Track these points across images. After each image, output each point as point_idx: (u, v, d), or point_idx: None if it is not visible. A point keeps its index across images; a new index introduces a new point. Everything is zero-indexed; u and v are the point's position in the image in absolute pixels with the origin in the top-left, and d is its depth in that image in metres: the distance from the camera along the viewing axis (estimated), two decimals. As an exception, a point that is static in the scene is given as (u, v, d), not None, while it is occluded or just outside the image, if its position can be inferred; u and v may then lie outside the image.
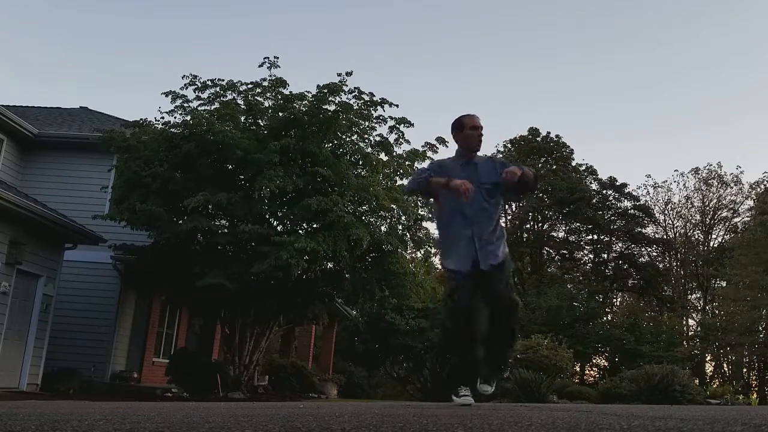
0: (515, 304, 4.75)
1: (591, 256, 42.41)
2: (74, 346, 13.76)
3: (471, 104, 58.01)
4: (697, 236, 40.73)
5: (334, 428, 2.18)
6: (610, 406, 5.73)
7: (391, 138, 13.76)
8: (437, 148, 14.08)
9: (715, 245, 39.08)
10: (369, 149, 13.81)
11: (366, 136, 13.76)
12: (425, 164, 5.22)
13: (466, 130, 4.70)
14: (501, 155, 41.14)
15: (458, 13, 53.29)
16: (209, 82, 13.68)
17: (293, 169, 12.43)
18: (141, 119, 13.62)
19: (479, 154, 4.84)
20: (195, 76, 13.68)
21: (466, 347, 4.49)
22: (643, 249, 41.11)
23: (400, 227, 14.07)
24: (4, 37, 50.27)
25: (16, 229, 11.47)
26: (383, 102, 13.56)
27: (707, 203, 39.76)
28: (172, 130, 13.15)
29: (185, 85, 13.59)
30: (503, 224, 4.84)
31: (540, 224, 41.68)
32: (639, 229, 40.05)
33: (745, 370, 33.93)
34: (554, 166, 41.14)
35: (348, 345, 25.00)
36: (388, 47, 54.93)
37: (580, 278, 41.29)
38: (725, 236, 39.39)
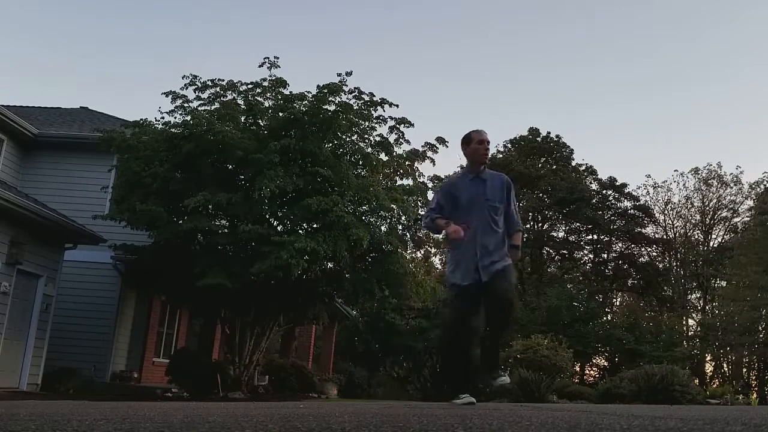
0: (514, 306, 4.90)
1: (591, 256, 42.43)
2: (74, 346, 13.76)
3: (471, 104, 57.96)
4: (697, 236, 40.75)
5: (334, 428, 2.18)
6: (610, 406, 5.73)
7: (391, 138, 13.79)
8: (437, 148, 14.10)
9: (715, 245, 39.08)
10: (369, 149, 13.81)
11: (366, 136, 13.77)
12: (436, 193, 5.45)
13: (473, 144, 4.94)
14: (501, 155, 41.20)
15: (458, 14, 53.32)
16: (209, 83, 13.68)
17: (293, 169, 12.42)
18: (141, 119, 13.62)
19: (489, 170, 5.08)
20: (195, 77, 13.69)
21: (457, 356, 4.75)
22: (643, 249, 41.13)
23: (400, 227, 14.08)
24: (4, 37, 50.29)
25: (17, 229, 11.47)
26: (383, 102, 13.57)
27: (707, 203, 39.77)
28: (173, 130, 13.15)
29: (185, 85, 13.60)
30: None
31: (540, 224, 41.68)
32: (639, 229, 40.05)
33: (745, 370, 33.93)
34: (554, 166, 41.15)
35: (348, 345, 24.99)
36: (388, 47, 54.95)
37: (580, 278, 41.28)
38: (725, 236, 39.41)
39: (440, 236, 5.31)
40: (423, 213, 5.38)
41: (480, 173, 4.96)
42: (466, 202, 4.83)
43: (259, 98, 13.74)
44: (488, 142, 5.01)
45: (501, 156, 41.21)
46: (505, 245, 4.82)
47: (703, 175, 39.42)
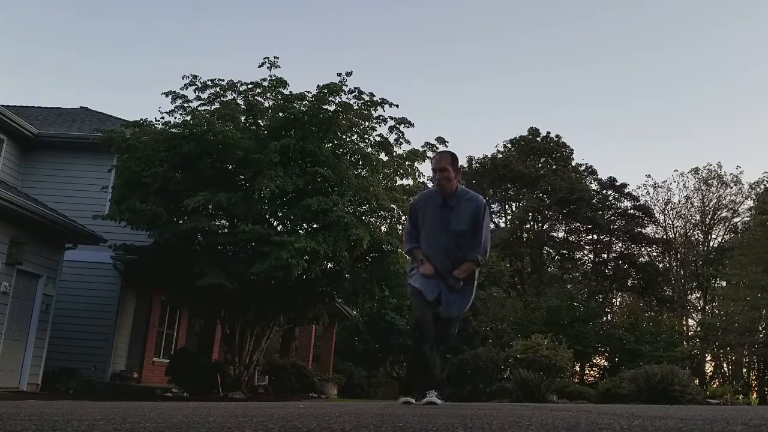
0: (451, 336, 5.05)
1: (591, 256, 42.44)
2: (74, 346, 13.76)
3: (471, 104, 57.98)
4: (697, 236, 40.75)
5: (334, 428, 2.18)
6: (610, 406, 5.73)
7: (391, 138, 13.78)
8: (437, 148, 14.08)
9: (715, 245, 39.07)
10: (369, 149, 13.80)
11: (366, 136, 13.76)
12: (410, 203, 5.44)
13: (432, 170, 4.88)
14: (501, 155, 41.20)
15: (459, 14, 53.32)
16: (209, 83, 13.68)
17: (293, 169, 12.42)
18: (141, 119, 13.62)
19: (465, 193, 4.92)
20: (195, 77, 13.68)
21: (424, 354, 4.77)
22: (643, 249, 41.13)
23: (400, 227, 14.07)
24: (4, 37, 50.28)
25: (17, 229, 11.47)
26: (383, 102, 13.57)
27: (707, 203, 39.77)
28: (173, 130, 13.15)
29: (185, 85, 13.60)
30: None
31: (540, 224, 41.68)
32: (639, 229, 40.05)
33: (745, 370, 33.92)
34: (554, 166, 41.15)
35: (348, 345, 25.00)
36: (388, 47, 54.94)
37: (580, 278, 41.27)
38: (725, 236, 39.41)
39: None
40: (404, 231, 5.28)
41: (448, 200, 4.78)
42: (431, 228, 4.82)
43: (259, 98, 13.74)
44: (442, 170, 4.72)
45: (501, 156, 41.22)
46: (467, 275, 4.85)
47: (703, 175, 39.44)
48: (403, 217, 13.79)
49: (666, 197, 40.77)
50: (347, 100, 13.24)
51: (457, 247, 4.77)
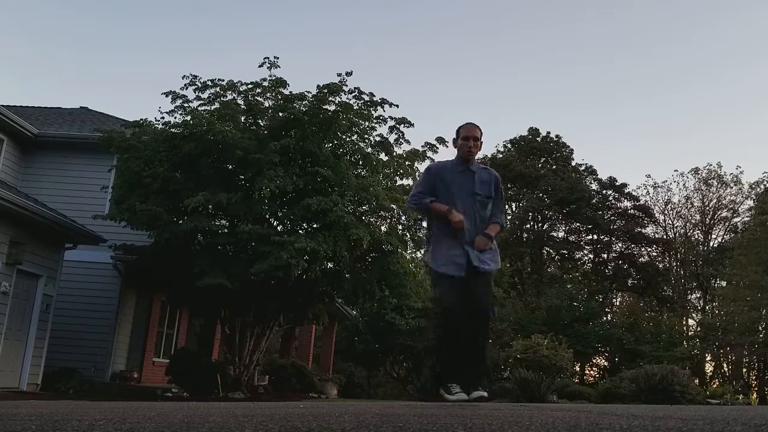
0: (489, 317, 4.86)
1: (591, 256, 42.43)
2: (74, 346, 13.77)
3: (471, 104, 58.01)
4: (697, 236, 40.77)
5: (334, 428, 2.18)
6: (610, 406, 5.73)
7: (391, 138, 13.78)
8: (437, 148, 14.08)
9: (715, 245, 39.09)
10: (369, 149, 13.80)
11: (366, 136, 13.76)
12: (425, 167, 5.29)
13: (460, 139, 4.88)
14: (501, 155, 41.19)
15: (459, 14, 53.33)
16: (209, 83, 13.68)
17: (293, 169, 12.42)
18: (141, 119, 13.63)
19: (479, 164, 5.01)
20: (195, 77, 13.69)
21: (455, 345, 4.60)
22: (643, 249, 41.13)
23: (400, 227, 14.07)
24: (4, 37, 50.28)
25: (16, 229, 11.47)
26: (383, 102, 13.57)
27: (707, 203, 39.78)
28: (173, 130, 13.15)
29: (185, 85, 13.61)
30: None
31: (540, 224, 41.68)
32: (639, 229, 40.05)
33: (745, 370, 33.93)
34: (554, 166, 41.15)
35: (348, 345, 24.98)
36: (388, 47, 54.97)
37: (580, 278, 41.28)
38: (725, 236, 39.42)
39: (420, 216, 5.18)
40: (411, 193, 5.09)
41: (469, 166, 4.90)
42: (455, 193, 4.77)
43: (259, 98, 13.74)
44: (475, 139, 4.86)
45: (501, 156, 41.21)
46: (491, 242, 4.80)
47: (703, 175, 39.46)
48: (403, 217, 13.80)
49: (666, 197, 40.84)
50: (347, 100, 13.25)
51: (483, 210, 4.81)
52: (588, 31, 53.61)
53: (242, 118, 13.55)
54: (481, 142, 5.00)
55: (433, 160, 14.10)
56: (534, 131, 41.97)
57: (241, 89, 13.70)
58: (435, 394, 4.65)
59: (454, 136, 4.91)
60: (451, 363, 4.67)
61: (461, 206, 4.73)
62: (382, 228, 13.65)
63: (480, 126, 5.04)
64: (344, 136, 13.58)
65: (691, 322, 39.52)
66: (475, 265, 4.61)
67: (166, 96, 13.55)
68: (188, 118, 13.09)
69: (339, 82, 13.19)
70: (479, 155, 5.11)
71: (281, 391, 16.01)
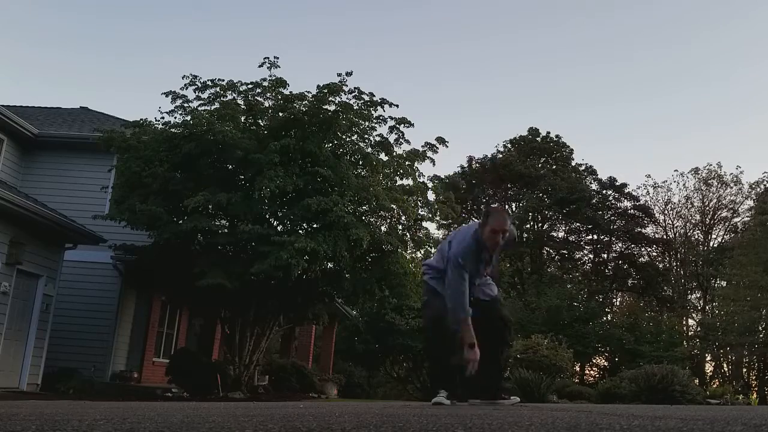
0: (510, 323, 5.11)
1: (591, 256, 42.42)
2: (74, 346, 13.76)
3: (471, 104, 58.01)
4: (697, 236, 40.75)
5: (334, 428, 2.18)
6: (610, 406, 5.73)
7: (391, 138, 13.78)
8: (437, 148, 14.07)
9: (715, 245, 39.07)
10: (369, 149, 13.80)
11: (366, 136, 13.76)
12: (471, 241, 4.90)
13: (487, 230, 4.62)
14: (501, 155, 41.20)
15: (458, 14, 53.33)
16: (209, 83, 13.67)
17: (293, 169, 12.42)
18: (141, 119, 13.62)
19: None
20: (195, 77, 13.68)
21: (444, 352, 4.73)
22: (643, 249, 41.13)
23: (400, 227, 14.07)
24: (4, 37, 50.28)
25: (16, 229, 11.47)
26: (383, 102, 13.56)
27: (707, 203, 39.76)
28: (173, 130, 13.15)
29: (185, 85, 13.60)
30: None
31: (540, 224, 41.67)
32: (639, 229, 40.04)
33: (745, 370, 33.93)
34: (554, 166, 41.14)
35: (348, 345, 24.97)
36: (388, 47, 54.97)
37: (580, 278, 41.28)
38: (725, 236, 39.40)
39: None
40: (458, 282, 4.65)
41: (492, 254, 4.86)
42: (473, 272, 4.74)
43: (259, 98, 13.73)
44: (504, 232, 4.64)
45: (501, 156, 41.22)
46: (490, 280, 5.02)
47: (703, 175, 39.44)
48: (403, 217, 13.80)
49: (666, 197, 40.80)
50: (347, 100, 13.25)
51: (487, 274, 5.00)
52: (588, 31, 53.65)
53: (242, 118, 13.55)
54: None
55: (433, 160, 14.08)
56: (534, 131, 41.97)
57: (241, 89, 13.70)
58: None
59: (483, 218, 4.69)
60: (438, 368, 4.85)
61: (475, 277, 4.79)
62: (382, 228, 13.65)
63: (508, 212, 5.05)
64: (344, 136, 13.57)
65: (691, 322, 39.55)
66: (478, 296, 4.79)
67: (166, 96, 13.56)
68: (188, 118, 13.09)
69: (339, 82, 13.20)
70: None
71: (281, 391, 16.01)
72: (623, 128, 57.02)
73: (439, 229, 28.95)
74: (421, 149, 14.05)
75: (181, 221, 12.44)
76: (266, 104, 13.78)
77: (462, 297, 4.56)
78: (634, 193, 40.54)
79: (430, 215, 15.23)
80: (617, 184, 40.21)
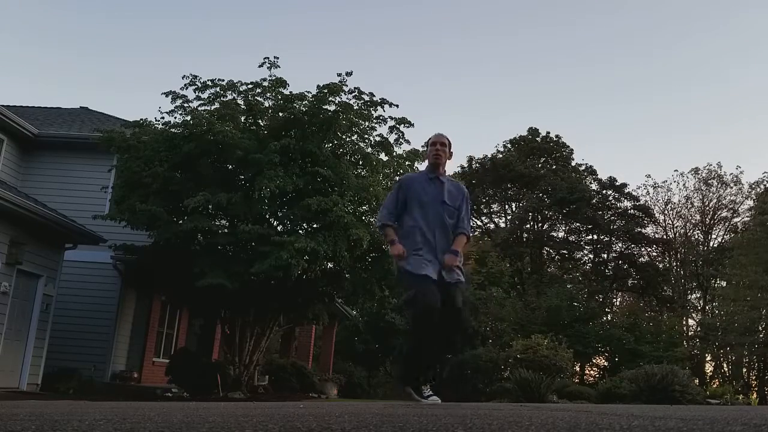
0: (466, 322, 5.10)
1: (591, 256, 42.38)
2: (74, 346, 13.77)
3: (471, 104, 58.00)
4: (697, 236, 40.72)
5: (334, 428, 2.18)
6: (610, 406, 5.73)
7: (391, 138, 13.79)
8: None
9: (715, 245, 39.05)
10: (369, 149, 13.81)
11: (366, 136, 13.77)
12: (397, 180, 5.50)
13: (429, 146, 5.17)
14: (501, 155, 41.17)
15: (458, 14, 53.33)
16: (209, 83, 13.68)
17: (293, 169, 12.43)
18: (141, 119, 13.63)
19: (450, 176, 5.26)
20: (195, 77, 13.69)
21: (428, 346, 4.79)
22: (643, 249, 41.08)
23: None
24: (4, 37, 50.28)
25: (16, 229, 11.47)
26: (383, 102, 13.57)
27: (707, 203, 39.75)
28: (173, 130, 13.16)
29: (185, 85, 13.61)
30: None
31: (540, 224, 41.65)
32: (639, 229, 40.01)
33: (745, 370, 33.91)
34: (554, 166, 41.13)
35: (348, 345, 24.99)
36: (388, 48, 54.97)
37: (580, 278, 41.25)
38: (725, 236, 39.38)
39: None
40: (380, 209, 5.31)
41: (439, 175, 5.09)
42: (425, 201, 4.96)
43: (259, 98, 13.74)
44: (442, 144, 5.08)
45: (501, 156, 41.21)
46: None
47: (703, 175, 39.41)
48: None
49: (666, 197, 40.79)
50: (347, 100, 13.26)
51: (451, 219, 5.00)
52: (588, 31, 53.65)
53: (242, 118, 13.55)
54: (451, 152, 5.22)
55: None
56: (534, 131, 41.95)
57: (241, 89, 13.70)
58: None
59: (425, 148, 5.23)
60: (416, 363, 4.91)
61: (431, 212, 4.93)
62: (382, 228, 13.63)
63: (448, 137, 5.26)
64: (344, 136, 13.58)
65: (691, 322, 39.52)
66: (445, 279, 4.81)
67: (166, 96, 13.57)
68: (188, 118, 13.09)
69: (339, 82, 13.20)
70: (449, 172, 5.33)
71: (281, 391, 16.02)
72: (623, 128, 57.05)
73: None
74: (421, 149, 14.05)
75: (181, 221, 12.45)
76: (266, 104, 13.79)
77: (378, 225, 5.28)
78: (634, 193, 40.54)
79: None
80: (617, 184, 40.19)
